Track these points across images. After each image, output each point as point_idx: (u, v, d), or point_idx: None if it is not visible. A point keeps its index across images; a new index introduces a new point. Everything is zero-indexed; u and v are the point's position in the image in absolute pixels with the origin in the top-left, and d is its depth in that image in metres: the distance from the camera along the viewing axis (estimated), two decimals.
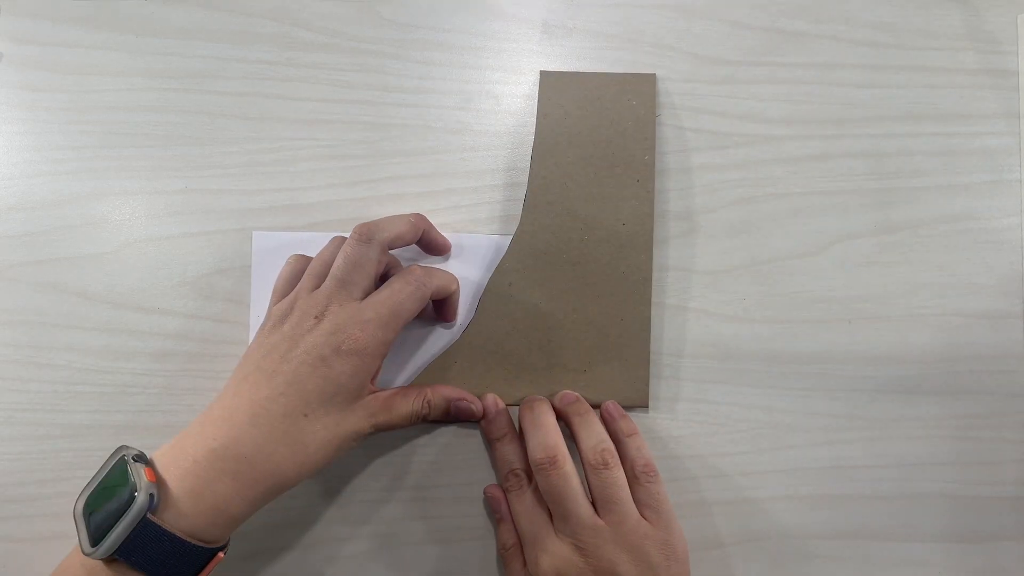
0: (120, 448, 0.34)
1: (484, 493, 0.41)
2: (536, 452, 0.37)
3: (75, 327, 0.42)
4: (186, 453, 0.33)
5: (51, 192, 0.43)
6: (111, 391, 0.42)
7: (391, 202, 0.43)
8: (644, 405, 0.41)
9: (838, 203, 0.43)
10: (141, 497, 0.31)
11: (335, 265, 0.36)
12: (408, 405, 0.38)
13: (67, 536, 0.41)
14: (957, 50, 0.44)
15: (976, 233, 0.43)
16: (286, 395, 0.33)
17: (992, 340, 0.42)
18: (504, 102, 0.44)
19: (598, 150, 0.42)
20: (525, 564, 0.38)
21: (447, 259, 0.43)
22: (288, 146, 0.43)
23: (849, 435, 0.42)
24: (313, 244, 0.40)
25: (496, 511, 0.40)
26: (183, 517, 0.32)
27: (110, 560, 0.31)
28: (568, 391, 0.41)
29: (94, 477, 0.33)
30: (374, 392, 0.37)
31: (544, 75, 0.43)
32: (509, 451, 0.40)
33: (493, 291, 0.41)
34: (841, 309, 0.42)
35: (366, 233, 0.36)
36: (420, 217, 0.40)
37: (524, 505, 0.38)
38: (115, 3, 0.44)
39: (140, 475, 0.31)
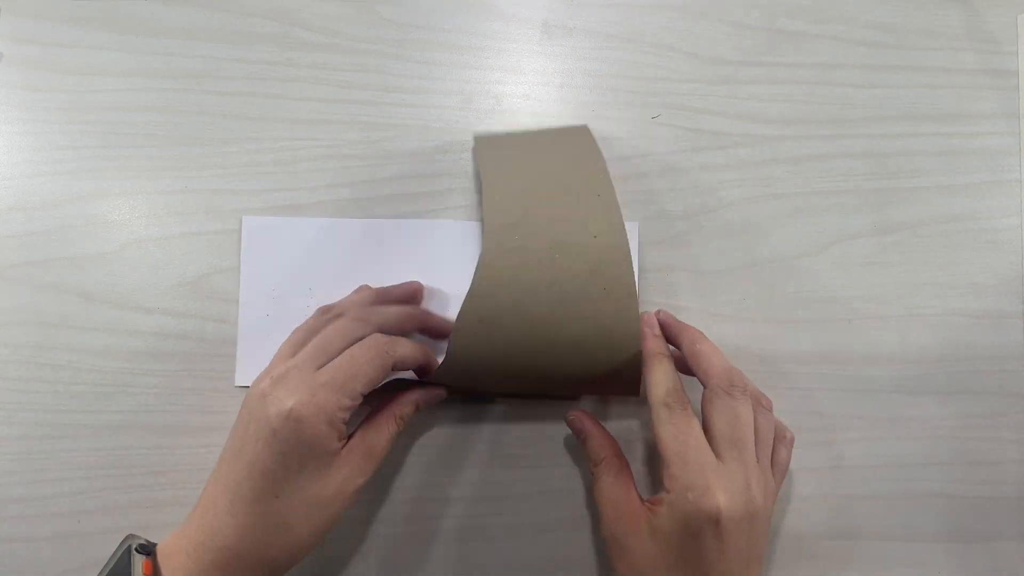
0: (128, 538, 0.33)
1: (566, 416, 0.39)
2: (734, 376, 0.35)
3: (75, 327, 0.42)
4: (180, 546, 0.32)
5: (51, 192, 0.43)
6: (111, 391, 0.42)
7: (391, 202, 0.43)
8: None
9: (838, 203, 0.43)
10: None
11: (319, 336, 0.35)
12: (386, 435, 0.36)
13: (67, 536, 0.41)
14: (957, 50, 0.44)
15: (976, 233, 0.43)
16: (251, 478, 0.32)
17: (992, 340, 0.42)
18: (504, 102, 0.44)
19: (548, 179, 0.39)
20: (618, 476, 0.36)
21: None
22: (288, 146, 0.43)
23: (849, 435, 0.42)
24: (305, 229, 0.41)
25: (580, 430, 0.39)
26: None
27: None
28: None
29: (103, 568, 0.32)
30: (347, 444, 0.35)
31: (478, 139, 0.42)
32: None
33: (463, 330, 0.36)
34: (841, 309, 0.42)
35: (363, 316, 0.36)
36: (421, 311, 0.40)
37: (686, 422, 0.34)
38: (115, 3, 0.44)
39: (138, 570, 0.31)
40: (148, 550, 0.32)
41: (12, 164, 0.43)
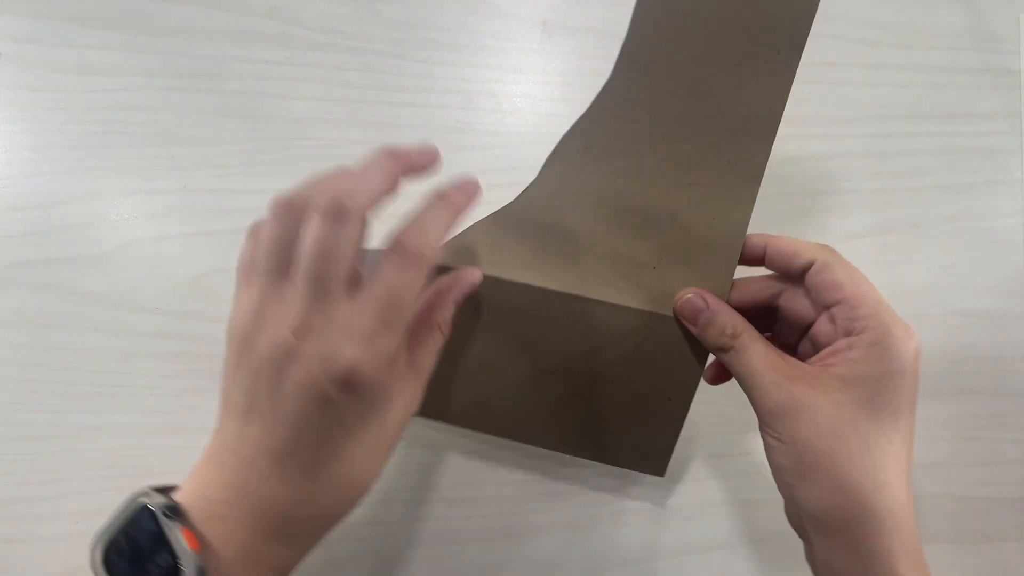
0: (139, 495, 0.28)
1: (679, 300, 0.34)
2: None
3: (75, 327, 0.42)
4: (221, 513, 0.28)
5: (51, 192, 0.43)
6: (111, 391, 0.42)
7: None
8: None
9: (838, 203, 0.43)
10: (189, 573, 0.26)
11: (304, 257, 0.27)
12: (432, 351, 0.32)
13: (67, 536, 0.41)
14: (958, 50, 0.44)
15: (977, 233, 0.43)
16: (300, 445, 0.28)
17: (993, 340, 0.42)
18: (504, 102, 0.44)
19: (730, 8, 0.33)
20: (766, 343, 0.32)
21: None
22: (288, 146, 0.43)
23: None
24: None
25: (700, 308, 0.33)
26: None
27: None
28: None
29: (112, 524, 0.28)
30: (404, 381, 0.30)
31: None
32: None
33: (563, 153, 0.34)
34: None
35: (336, 207, 0.27)
36: (392, 157, 0.29)
37: (850, 266, 0.31)
38: (115, 3, 0.44)
39: (180, 543, 0.26)
40: (177, 514, 0.27)
41: (12, 164, 0.43)
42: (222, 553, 0.27)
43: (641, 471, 0.38)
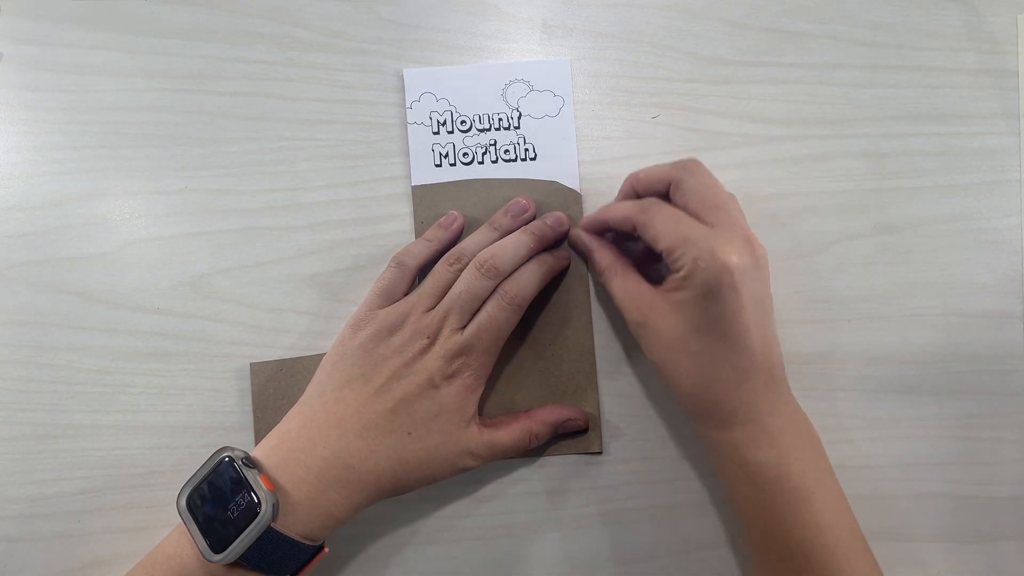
0: (222, 449, 0.35)
1: (569, 239, 0.41)
2: (679, 164, 0.37)
3: (75, 327, 0.42)
4: (295, 459, 0.35)
5: (51, 192, 0.43)
6: (111, 391, 0.42)
7: (391, 202, 0.43)
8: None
9: (838, 203, 0.43)
10: (266, 509, 0.33)
11: (455, 292, 0.37)
12: (511, 439, 0.39)
13: (67, 536, 0.41)
14: (957, 50, 0.44)
15: (976, 233, 0.43)
16: (395, 412, 0.36)
17: (992, 340, 0.42)
18: None
19: None
20: (627, 273, 0.38)
21: None
22: (288, 146, 0.43)
23: (849, 435, 0.42)
24: (463, 77, 0.43)
25: (586, 245, 0.40)
26: (300, 522, 0.34)
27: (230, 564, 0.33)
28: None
29: (196, 475, 0.35)
30: (479, 424, 0.38)
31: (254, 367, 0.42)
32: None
33: None
34: (841, 309, 0.42)
35: (491, 270, 0.37)
36: (538, 229, 0.40)
37: (667, 213, 0.36)
38: (115, 3, 0.44)
39: (259, 484, 0.33)
40: (254, 464, 0.34)
41: (12, 164, 0.43)
42: (292, 494, 0.34)
43: (582, 452, 0.41)
